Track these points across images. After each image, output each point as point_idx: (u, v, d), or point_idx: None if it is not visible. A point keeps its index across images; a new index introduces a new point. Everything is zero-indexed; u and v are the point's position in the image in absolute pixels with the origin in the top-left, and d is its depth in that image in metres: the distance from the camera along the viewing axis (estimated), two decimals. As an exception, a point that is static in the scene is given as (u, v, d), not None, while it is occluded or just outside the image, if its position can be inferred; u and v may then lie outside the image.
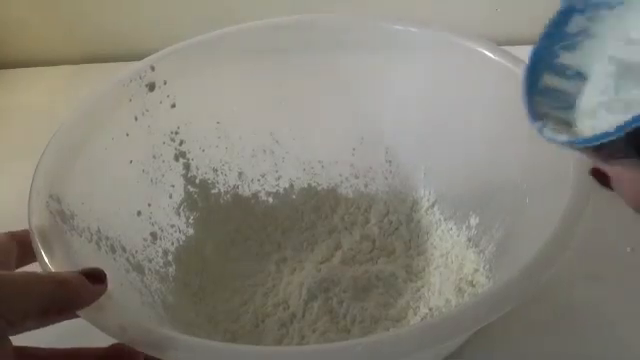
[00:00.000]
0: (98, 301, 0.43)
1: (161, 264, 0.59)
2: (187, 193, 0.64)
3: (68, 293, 0.42)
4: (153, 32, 0.92)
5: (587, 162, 0.49)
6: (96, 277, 0.43)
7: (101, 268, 0.44)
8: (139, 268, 0.56)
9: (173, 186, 0.64)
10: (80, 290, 0.42)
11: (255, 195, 0.68)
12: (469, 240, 0.60)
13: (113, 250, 0.54)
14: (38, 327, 0.42)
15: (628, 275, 0.58)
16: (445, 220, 0.64)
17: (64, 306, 0.42)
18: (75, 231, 0.50)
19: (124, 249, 0.55)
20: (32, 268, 0.47)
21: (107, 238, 0.54)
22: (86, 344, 0.46)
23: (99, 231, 0.53)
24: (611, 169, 0.40)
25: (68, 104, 0.60)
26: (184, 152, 0.64)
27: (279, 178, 0.69)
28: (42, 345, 0.45)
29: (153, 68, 0.61)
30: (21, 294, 0.40)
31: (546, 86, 0.41)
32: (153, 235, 0.60)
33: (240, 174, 0.68)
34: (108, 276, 0.44)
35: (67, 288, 0.42)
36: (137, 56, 0.64)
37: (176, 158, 0.64)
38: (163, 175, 0.63)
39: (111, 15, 0.95)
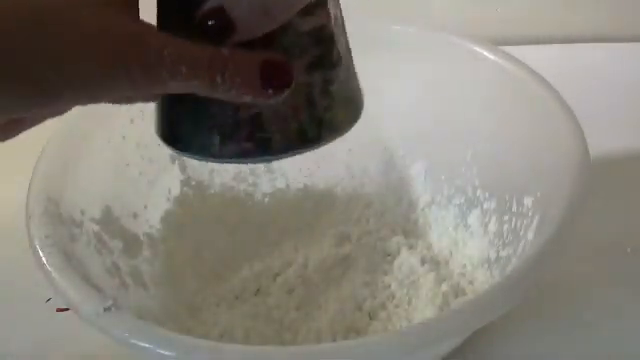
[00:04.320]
0: (96, 304, 0.43)
1: (158, 266, 0.59)
2: (183, 195, 0.64)
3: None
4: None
5: (587, 161, 0.49)
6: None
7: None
8: (137, 270, 0.56)
9: (169, 188, 0.63)
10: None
11: (251, 196, 0.68)
12: (467, 239, 0.60)
13: (111, 253, 0.54)
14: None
15: (628, 275, 0.58)
16: (442, 219, 0.64)
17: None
18: (74, 234, 0.50)
19: (122, 251, 0.55)
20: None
21: (105, 241, 0.54)
22: (84, 345, 0.46)
23: (98, 234, 0.53)
24: None
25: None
26: (180, 154, 0.64)
27: (275, 179, 0.68)
28: (33, 346, 0.45)
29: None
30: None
31: None
32: (150, 237, 0.60)
33: (236, 175, 0.67)
34: (107, 278, 0.44)
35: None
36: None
37: (172, 160, 0.63)
38: (159, 177, 0.62)
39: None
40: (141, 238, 0.59)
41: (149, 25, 0.37)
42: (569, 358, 0.53)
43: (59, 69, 0.34)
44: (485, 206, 0.59)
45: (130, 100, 0.42)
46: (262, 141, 0.38)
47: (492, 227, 0.58)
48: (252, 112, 0.38)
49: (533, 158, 0.54)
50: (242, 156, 0.38)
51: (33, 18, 0.34)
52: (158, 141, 0.62)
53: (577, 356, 0.53)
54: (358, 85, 0.42)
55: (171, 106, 0.39)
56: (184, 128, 0.39)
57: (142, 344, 0.41)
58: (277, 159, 0.39)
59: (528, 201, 0.53)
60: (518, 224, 0.53)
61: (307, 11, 0.37)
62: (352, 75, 0.42)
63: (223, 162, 0.39)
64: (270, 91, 0.36)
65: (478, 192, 0.60)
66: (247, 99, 0.36)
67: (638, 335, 0.54)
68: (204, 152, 0.39)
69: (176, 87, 0.35)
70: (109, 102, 0.38)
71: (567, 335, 0.54)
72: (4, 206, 0.67)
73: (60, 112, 0.41)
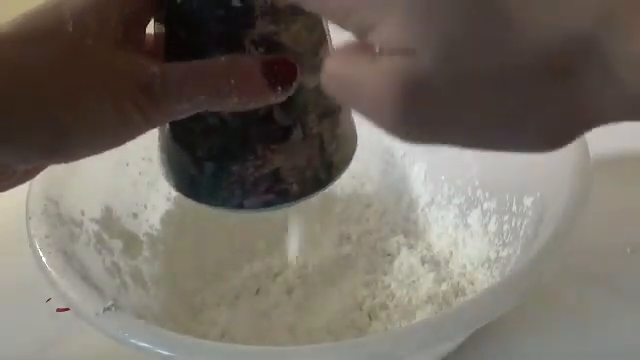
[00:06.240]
0: (96, 304, 0.43)
1: (158, 266, 0.59)
2: (183, 195, 0.64)
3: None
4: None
5: (587, 161, 0.49)
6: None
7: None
8: (137, 270, 0.56)
9: (169, 188, 0.63)
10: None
11: (251, 196, 0.68)
12: (467, 239, 0.60)
13: (112, 253, 0.53)
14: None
15: (628, 275, 0.58)
16: (442, 219, 0.63)
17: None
18: (74, 234, 0.50)
19: (122, 251, 0.55)
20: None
21: (105, 241, 0.54)
22: (84, 345, 0.46)
23: (98, 234, 0.53)
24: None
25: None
26: (180, 154, 0.64)
27: (275, 179, 0.68)
28: (33, 346, 0.44)
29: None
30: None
31: None
32: (150, 237, 0.60)
33: (236, 175, 0.67)
34: (107, 278, 0.44)
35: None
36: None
37: (172, 160, 0.63)
38: (159, 177, 0.62)
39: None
40: (141, 238, 0.59)
41: (152, 58, 0.37)
42: (569, 358, 0.53)
43: (78, 120, 0.35)
44: (485, 206, 0.59)
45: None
46: (281, 192, 0.40)
47: (492, 227, 0.57)
48: (271, 168, 0.39)
49: (533, 158, 0.53)
50: (262, 207, 0.41)
51: (45, 69, 0.34)
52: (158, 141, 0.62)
53: (577, 356, 0.53)
54: (352, 118, 0.43)
55: (189, 165, 0.41)
56: (205, 185, 0.41)
57: (142, 344, 0.41)
58: (294, 204, 0.41)
59: (528, 201, 0.53)
60: (518, 224, 0.53)
61: (314, 70, 0.37)
62: (349, 111, 0.42)
63: (244, 213, 0.41)
64: (279, 88, 0.36)
65: (478, 192, 0.60)
66: (259, 102, 0.37)
67: (638, 335, 0.54)
68: (226, 205, 0.41)
69: (187, 109, 0.36)
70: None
71: (567, 335, 0.54)
72: (4, 206, 0.67)
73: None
